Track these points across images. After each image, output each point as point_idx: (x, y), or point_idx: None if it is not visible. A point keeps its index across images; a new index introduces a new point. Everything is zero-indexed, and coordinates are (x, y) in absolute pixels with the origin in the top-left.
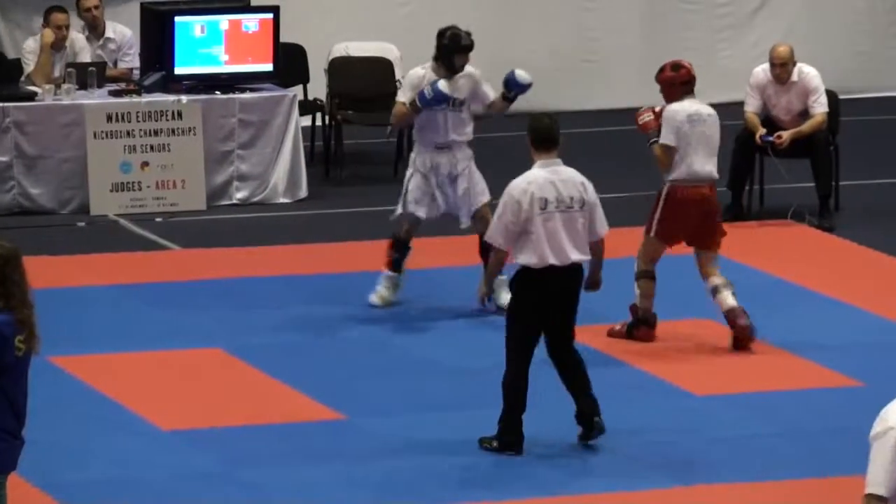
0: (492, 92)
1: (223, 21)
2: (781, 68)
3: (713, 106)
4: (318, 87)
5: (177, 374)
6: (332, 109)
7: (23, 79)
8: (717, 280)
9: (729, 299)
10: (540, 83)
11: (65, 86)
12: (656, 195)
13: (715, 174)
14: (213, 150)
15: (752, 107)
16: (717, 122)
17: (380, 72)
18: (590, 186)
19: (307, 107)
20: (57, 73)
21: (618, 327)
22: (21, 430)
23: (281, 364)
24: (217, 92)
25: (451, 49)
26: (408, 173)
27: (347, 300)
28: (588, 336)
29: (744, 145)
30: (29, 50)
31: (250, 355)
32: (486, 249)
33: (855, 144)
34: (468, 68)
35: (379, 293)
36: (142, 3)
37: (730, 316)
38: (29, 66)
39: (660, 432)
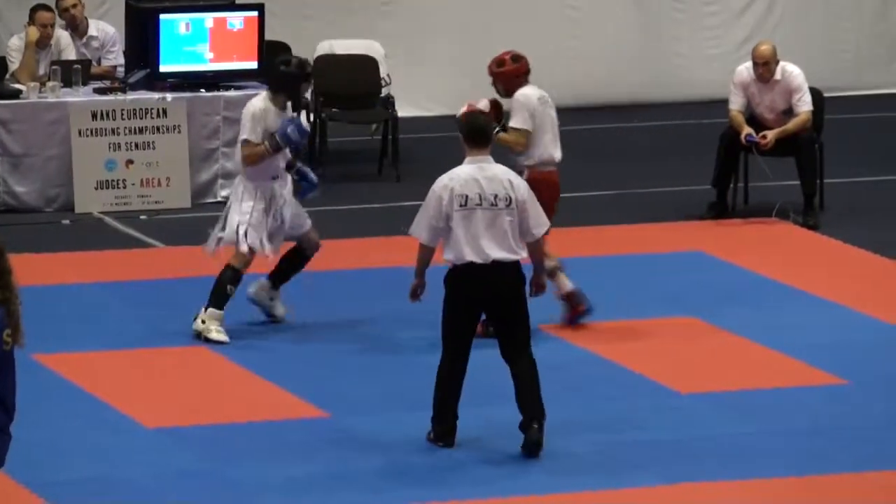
0: None
1: (208, 19)
2: (764, 67)
3: (702, 104)
4: None
5: (161, 371)
6: (316, 107)
7: (7, 77)
8: (552, 263)
9: (568, 283)
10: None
11: (49, 84)
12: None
13: (560, 156)
14: (198, 147)
15: (736, 105)
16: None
17: (364, 70)
18: (520, 184)
19: None
20: (42, 71)
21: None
22: (10, 425)
23: (265, 362)
24: (202, 90)
25: (299, 77)
26: (244, 206)
27: (330, 298)
28: (573, 335)
29: (728, 143)
30: (14, 48)
31: (234, 353)
32: (293, 258)
33: (840, 143)
34: None
35: (222, 333)
36: (127, 1)
37: (570, 299)
38: (14, 63)
39: (645, 430)
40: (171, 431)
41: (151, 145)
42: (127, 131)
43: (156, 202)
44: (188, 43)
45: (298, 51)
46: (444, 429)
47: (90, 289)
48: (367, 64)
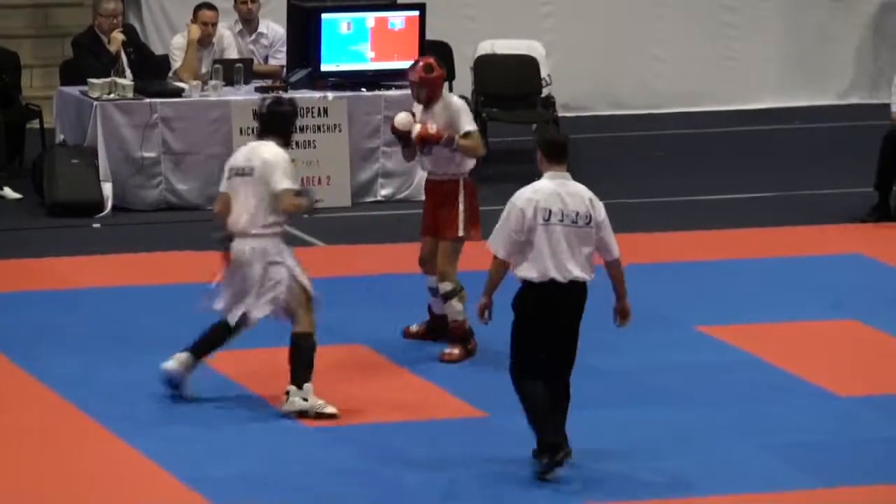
0: None
1: (369, 18)
2: None
3: (865, 107)
4: (463, 85)
5: (320, 370)
6: (477, 107)
7: (170, 75)
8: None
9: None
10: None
11: (211, 82)
12: (457, 191)
13: None
14: (359, 147)
15: None
16: None
17: (525, 70)
18: (598, 204)
19: None
20: (204, 70)
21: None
22: None
23: (422, 361)
24: (363, 89)
25: (292, 116)
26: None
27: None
28: (732, 337)
29: (891, 145)
30: (176, 46)
31: (394, 352)
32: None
33: None
34: None
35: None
36: (289, 1)
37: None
38: (176, 62)
39: (803, 433)
40: (330, 430)
41: (312, 144)
42: None
43: (316, 201)
44: (349, 42)
45: (459, 51)
46: (552, 443)
47: None
48: (528, 64)
